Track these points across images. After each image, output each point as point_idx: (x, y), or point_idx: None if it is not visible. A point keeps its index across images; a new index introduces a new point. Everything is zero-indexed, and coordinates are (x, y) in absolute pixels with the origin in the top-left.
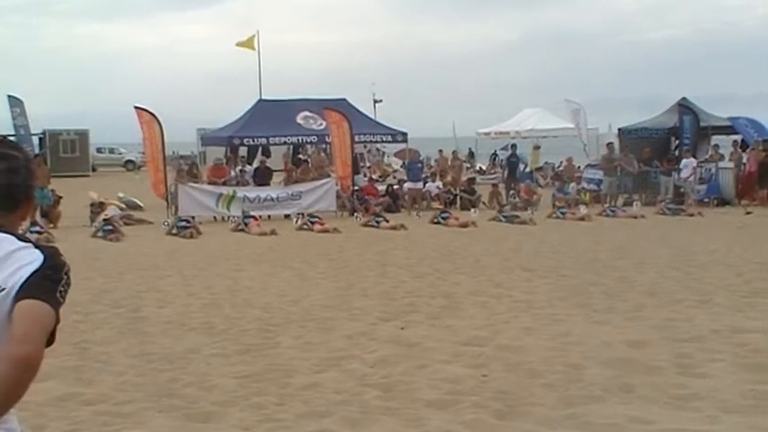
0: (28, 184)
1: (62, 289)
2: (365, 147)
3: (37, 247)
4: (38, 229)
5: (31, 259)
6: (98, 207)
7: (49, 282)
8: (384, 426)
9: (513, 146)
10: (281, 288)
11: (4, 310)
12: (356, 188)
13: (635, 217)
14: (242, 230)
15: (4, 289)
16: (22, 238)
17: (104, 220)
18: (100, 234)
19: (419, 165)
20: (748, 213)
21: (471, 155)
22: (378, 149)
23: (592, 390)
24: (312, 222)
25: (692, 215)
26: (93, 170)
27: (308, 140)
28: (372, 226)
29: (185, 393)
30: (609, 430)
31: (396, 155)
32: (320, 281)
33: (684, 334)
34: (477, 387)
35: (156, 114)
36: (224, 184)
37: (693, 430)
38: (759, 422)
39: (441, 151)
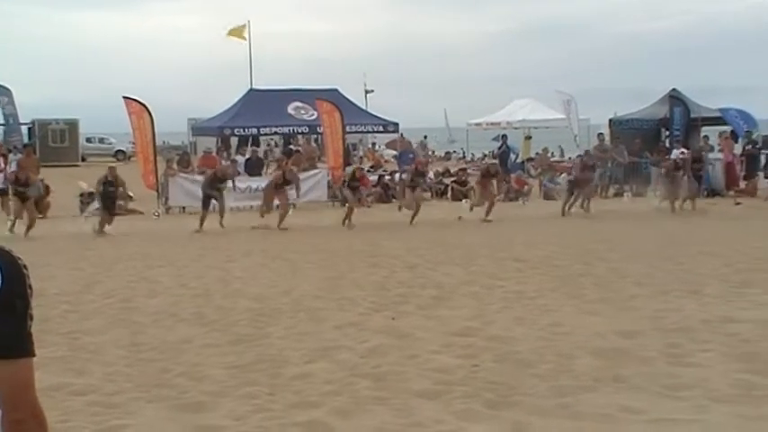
0: None
1: (30, 308)
2: (360, 139)
3: None
4: None
5: None
6: (88, 197)
7: (14, 319)
8: (375, 415)
9: (504, 136)
10: (272, 279)
11: None
12: (347, 179)
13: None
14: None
15: None
16: None
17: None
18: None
19: (411, 155)
20: (738, 204)
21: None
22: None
23: (583, 379)
24: None
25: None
26: (83, 160)
27: (300, 131)
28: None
29: (176, 383)
30: (599, 420)
31: (387, 145)
32: (311, 271)
33: (674, 324)
34: (468, 377)
35: (146, 104)
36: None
37: (683, 419)
38: (747, 411)
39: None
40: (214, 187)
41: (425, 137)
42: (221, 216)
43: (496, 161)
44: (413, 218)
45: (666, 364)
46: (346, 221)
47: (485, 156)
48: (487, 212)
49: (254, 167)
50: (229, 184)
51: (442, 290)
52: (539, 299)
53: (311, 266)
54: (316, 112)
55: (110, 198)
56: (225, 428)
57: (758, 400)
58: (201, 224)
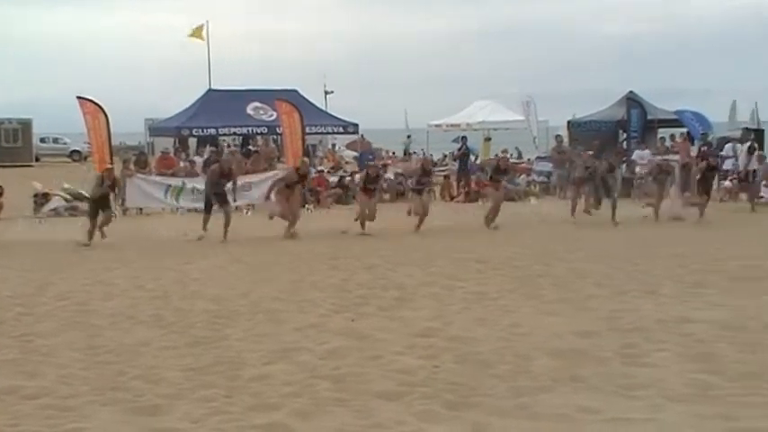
0: None
1: None
2: (320, 140)
3: None
4: None
5: None
6: (42, 197)
7: None
8: (335, 417)
9: (464, 138)
10: (231, 281)
11: None
12: None
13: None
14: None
15: None
16: None
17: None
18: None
19: (371, 156)
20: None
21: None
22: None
23: (540, 380)
24: None
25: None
26: (37, 160)
27: (259, 131)
28: None
29: (132, 386)
30: (557, 420)
31: (347, 146)
32: (270, 273)
33: (630, 324)
34: (429, 378)
35: (102, 105)
36: (173, 175)
37: (638, 419)
38: (702, 410)
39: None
40: (222, 185)
41: (409, 136)
42: (226, 227)
43: (506, 154)
44: (419, 224)
45: (622, 365)
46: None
47: (445, 157)
48: (491, 217)
49: None
50: (188, 184)
51: (403, 291)
52: (499, 299)
53: (270, 268)
54: (275, 113)
55: (104, 202)
56: (181, 431)
57: (713, 399)
58: (205, 226)
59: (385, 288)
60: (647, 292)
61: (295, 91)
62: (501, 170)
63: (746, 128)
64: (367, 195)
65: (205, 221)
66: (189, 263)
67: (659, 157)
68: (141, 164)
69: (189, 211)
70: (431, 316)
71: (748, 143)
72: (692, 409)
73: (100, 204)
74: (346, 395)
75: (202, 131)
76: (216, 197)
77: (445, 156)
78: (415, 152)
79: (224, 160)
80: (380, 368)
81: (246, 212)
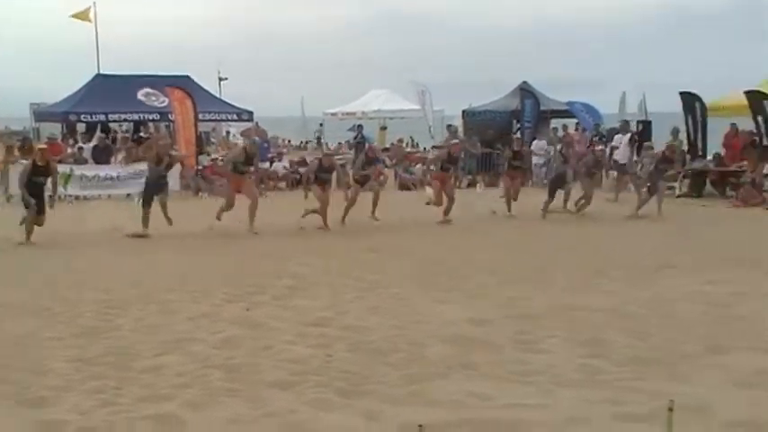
0: None
1: None
2: (213, 128)
3: None
4: None
5: None
6: None
7: None
8: (227, 407)
9: (360, 126)
10: (121, 270)
11: None
12: (200, 168)
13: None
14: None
15: None
16: None
17: None
18: None
19: (266, 144)
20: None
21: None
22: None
23: (434, 367)
24: None
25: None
26: None
27: (150, 118)
28: None
29: (17, 379)
30: (450, 406)
31: (242, 134)
32: (163, 262)
33: (524, 311)
34: (322, 367)
35: None
36: (60, 162)
37: (530, 404)
38: (591, 395)
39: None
40: (161, 173)
41: (321, 124)
42: (164, 209)
43: (402, 143)
44: (446, 213)
45: (515, 351)
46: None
47: (340, 145)
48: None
49: (101, 155)
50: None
51: (298, 280)
52: (393, 288)
53: (163, 257)
54: (167, 100)
55: (38, 191)
56: (68, 423)
57: (601, 384)
58: (147, 224)
59: (279, 277)
60: (541, 281)
61: (187, 77)
62: (452, 159)
63: (625, 120)
64: (321, 187)
65: (146, 219)
66: (76, 251)
67: (600, 148)
68: (26, 150)
69: (77, 198)
70: (325, 305)
71: (628, 134)
72: (580, 394)
73: (33, 198)
74: (239, 385)
75: (91, 117)
76: (156, 187)
77: (340, 144)
78: (309, 141)
79: (161, 145)
80: (273, 357)
81: (138, 201)
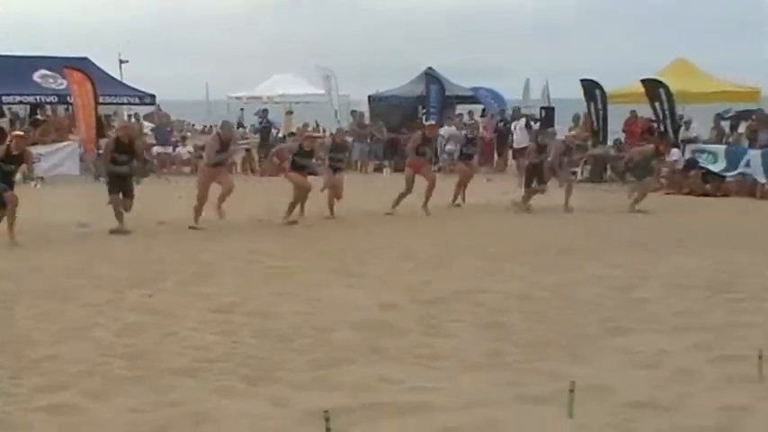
0: None
1: None
2: (114, 111)
3: None
4: None
5: None
6: None
7: None
8: (129, 395)
9: (265, 111)
10: (19, 254)
11: None
12: (100, 152)
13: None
14: None
15: None
16: None
17: None
18: None
19: (168, 128)
20: (489, 180)
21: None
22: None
23: (341, 352)
24: None
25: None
26: None
27: (48, 100)
28: None
29: None
30: (357, 390)
31: (145, 118)
32: (62, 248)
33: (430, 296)
34: (227, 354)
35: None
36: None
37: (437, 388)
38: (496, 377)
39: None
40: (123, 161)
41: (266, 110)
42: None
43: (308, 128)
44: (426, 199)
45: (422, 335)
46: None
47: (242, 127)
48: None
49: None
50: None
51: (203, 266)
52: (302, 273)
53: (62, 243)
54: (65, 82)
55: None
56: None
57: (505, 366)
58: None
59: (184, 263)
60: (452, 266)
61: (86, 59)
62: (426, 141)
63: (517, 107)
64: (300, 173)
65: (116, 207)
66: None
67: (572, 133)
68: None
69: None
70: (230, 291)
71: (523, 119)
72: (486, 377)
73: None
74: (142, 372)
75: None
76: (117, 178)
77: (243, 126)
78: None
79: (128, 127)
80: (177, 344)
81: (35, 185)
